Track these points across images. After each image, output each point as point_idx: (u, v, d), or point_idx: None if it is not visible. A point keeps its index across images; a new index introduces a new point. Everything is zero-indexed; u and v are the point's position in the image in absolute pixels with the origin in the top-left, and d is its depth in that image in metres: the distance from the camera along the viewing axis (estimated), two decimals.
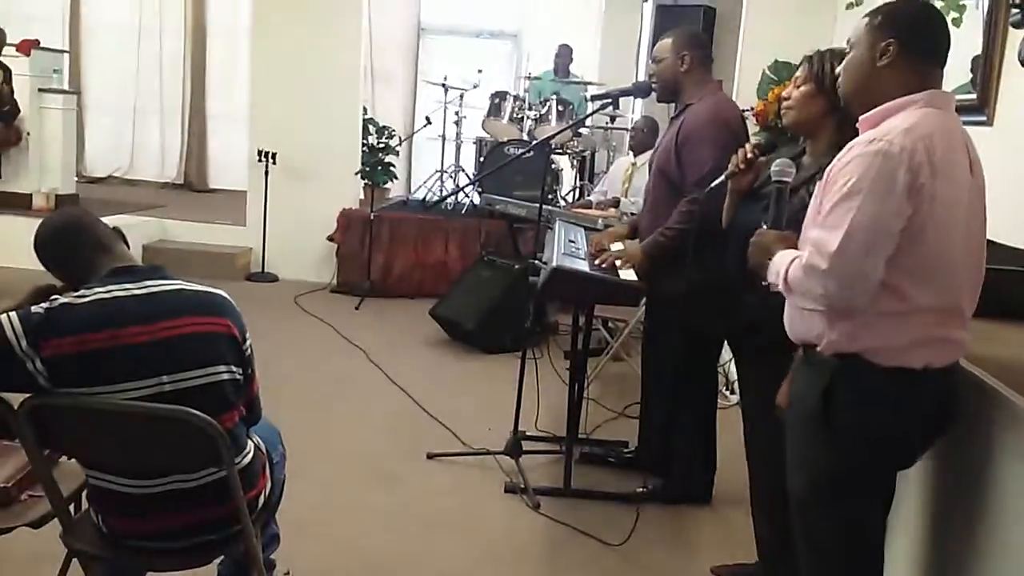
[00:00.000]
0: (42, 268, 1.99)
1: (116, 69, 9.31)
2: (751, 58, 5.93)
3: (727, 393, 4.43)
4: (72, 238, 1.98)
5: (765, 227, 1.98)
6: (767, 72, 5.71)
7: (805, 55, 2.37)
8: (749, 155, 2.43)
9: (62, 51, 7.86)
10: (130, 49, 9.29)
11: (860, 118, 1.82)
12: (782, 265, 1.78)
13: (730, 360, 3.88)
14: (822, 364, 1.80)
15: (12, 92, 5.77)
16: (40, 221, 2.04)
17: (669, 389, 3.29)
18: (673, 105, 3.32)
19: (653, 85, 3.26)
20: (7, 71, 5.77)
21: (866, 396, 1.76)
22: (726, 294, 2.60)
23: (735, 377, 3.51)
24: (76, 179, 7.68)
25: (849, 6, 5.07)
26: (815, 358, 1.83)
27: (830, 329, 1.77)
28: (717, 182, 2.53)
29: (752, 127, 4.78)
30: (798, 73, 2.37)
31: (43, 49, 7.04)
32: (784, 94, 2.38)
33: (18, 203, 6.74)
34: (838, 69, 1.93)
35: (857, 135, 1.94)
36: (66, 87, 7.47)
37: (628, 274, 3.05)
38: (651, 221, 3.18)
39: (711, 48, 3.24)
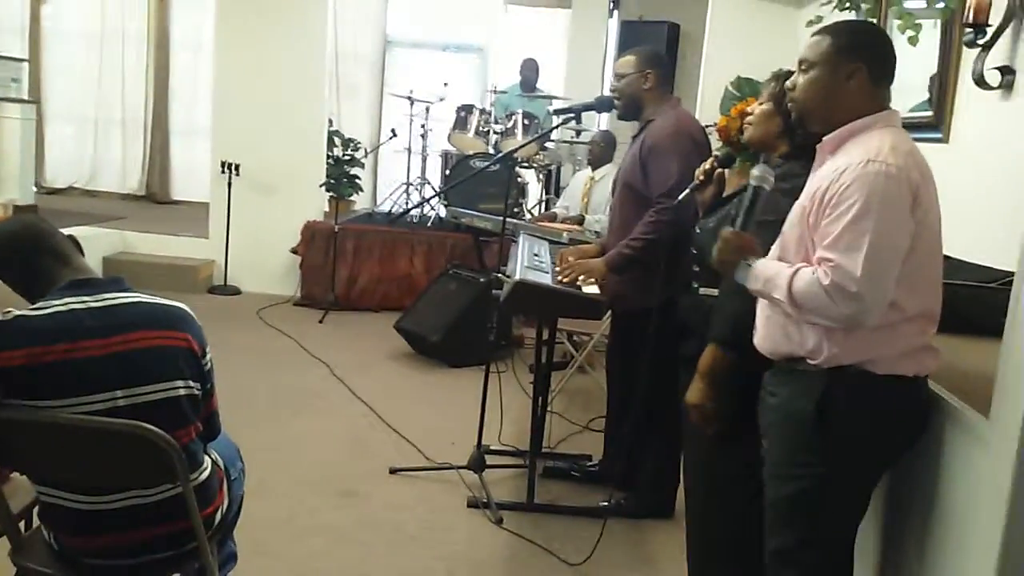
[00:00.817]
0: None
1: (77, 79, 9.18)
2: (714, 74, 6.01)
3: None
4: (29, 245, 1.93)
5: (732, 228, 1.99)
6: (730, 88, 5.79)
7: (772, 73, 2.41)
8: (707, 167, 2.52)
9: (21, 60, 7.75)
10: (92, 59, 9.16)
11: (824, 139, 1.87)
12: (780, 276, 1.79)
13: None
14: (810, 375, 1.83)
15: None
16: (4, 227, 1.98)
17: (635, 403, 3.29)
18: (635, 123, 3.36)
19: (616, 101, 3.29)
20: None
21: (860, 403, 1.80)
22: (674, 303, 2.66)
23: None
24: (35, 190, 7.56)
25: (809, 23, 5.14)
26: (798, 369, 1.85)
27: (829, 343, 1.79)
28: (683, 196, 2.61)
29: (715, 142, 4.84)
30: (764, 90, 2.41)
31: (1, 58, 6.93)
32: (748, 109, 2.42)
33: None
34: (788, 83, 1.97)
35: (807, 155, 2.00)
36: (25, 96, 7.36)
37: (591, 288, 3.06)
38: (620, 237, 3.19)
39: (673, 67, 3.28)
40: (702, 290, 2.31)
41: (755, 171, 1.98)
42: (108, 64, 9.18)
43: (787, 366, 1.89)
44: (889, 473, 2.02)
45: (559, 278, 3.12)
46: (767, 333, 1.93)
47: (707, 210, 2.53)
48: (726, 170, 2.56)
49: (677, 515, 3.33)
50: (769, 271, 1.84)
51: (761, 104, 2.37)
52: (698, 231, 2.50)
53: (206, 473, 2.02)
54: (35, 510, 2.04)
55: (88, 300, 1.85)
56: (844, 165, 1.75)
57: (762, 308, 1.95)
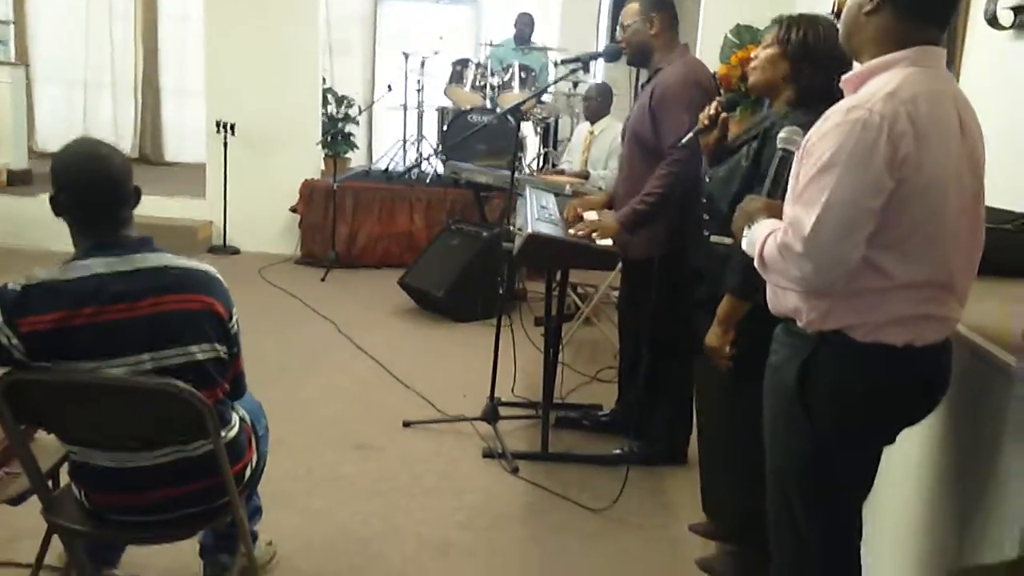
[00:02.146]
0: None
1: (64, 40, 9.03)
2: (713, 22, 5.95)
3: None
4: (111, 194, 1.90)
5: (758, 193, 1.95)
6: (729, 36, 5.72)
7: (774, 18, 2.40)
8: (712, 111, 2.51)
9: (6, 22, 7.61)
10: (78, 19, 9.01)
11: (842, 79, 1.74)
12: (759, 238, 1.69)
13: None
14: (802, 338, 1.74)
15: None
16: (85, 144, 1.95)
17: (647, 351, 3.31)
18: (633, 71, 3.33)
19: (623, 49, 3.26)
20: None
21: (841, 371, 1.70)
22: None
23: None
24: (28, 154, 7.48)
25: None
26: (795, 331, 1.76)
27: (807, 307, 1.70)
28: (686, 139, 2.61)
29: None
30: (767, 35, 2.40)
31: None
32: (752, 55, 2.41)
33: None
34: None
35: (815, 101, 1.97)
36: (12, 59, 7.24)
37: (604, 242, 3.06)
38: (628, 189, 3.18)
39: (675, 9, 3.24)
40: (713, 238, 2.31)
41: (783, 133, 1.92)
42: (95, 25, 9.03)
43: (784, 326, 1.83)
44: (921, 435, 1.98)
45: (572, 233, 3.10)
46: (769, 293, 1.86)
47: (712, 157, 2.52)
48: (730, 115, 2.56)
49: (690, 462, 3.38)
50: (756, 232, 1.72)
51: (766, 48, 2.35)
52: (707, 179, 2.50)
53: (235, 430, 2.04)
54: (64, 468, 2.06)
55: (115, 262, 1.85)
56: (831, 110, 1.62)
57: None
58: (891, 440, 1.82)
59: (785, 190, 1.77)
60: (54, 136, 9.14)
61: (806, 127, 1.96)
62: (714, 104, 2.53)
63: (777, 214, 1.75)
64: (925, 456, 2.09)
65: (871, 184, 1.54)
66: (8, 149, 6.89)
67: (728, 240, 2.20)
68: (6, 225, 5.94)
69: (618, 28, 3.32)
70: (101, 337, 1.79)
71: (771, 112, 2.28)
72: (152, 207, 6.77)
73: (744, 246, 1.79)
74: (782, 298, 1.78)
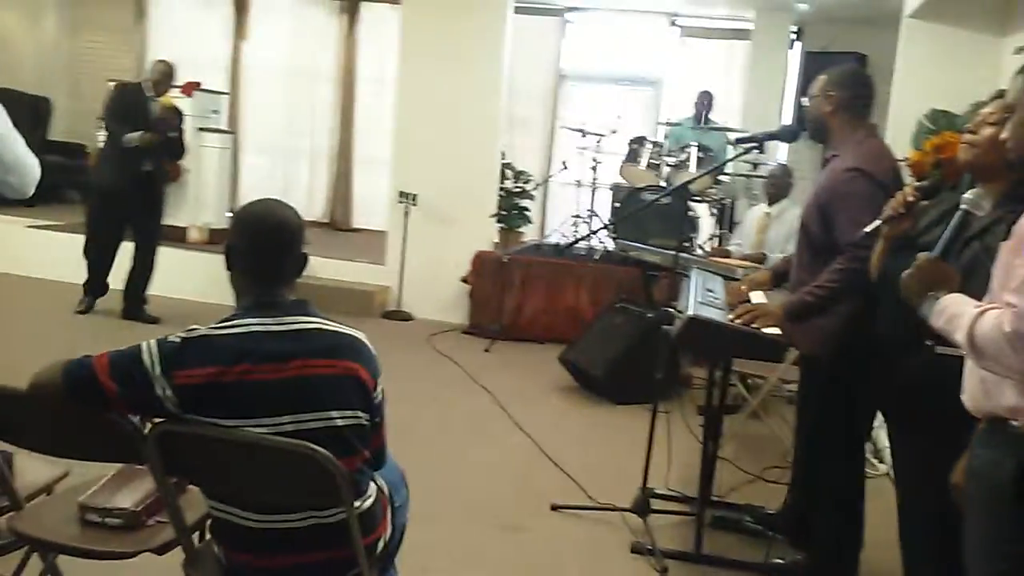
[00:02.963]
0: (196, 299, 2.02)
1: (271, 112, 9.80)
2: (905, 107, 5.62)
3: (875, 462, 4.11)
4: (280, 248, 1.97)
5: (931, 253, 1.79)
6: (924, 121, 5.40)
7: (998, 90, 2.16)
8: (910, 198, 2.26)
9: (222, 93, 8.35)
10: (284, 94, 9.76)
11: None
12: (964, 315, 1.61)
13: (880, 426, 3.59)
14: (1014, 439, 1.59)
15: (182, 132, 6.26)
16: (268, 201, 2.05)
17: (813, 454, 3.05)
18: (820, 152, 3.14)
19: (801, 129, 3.08)
20: (179, 112, 6.24)
21: None
22: (877, 354, 2.41)
23: (884, 444, 3.25)
24: (229, 215, 8.08)
25: (1018, 50, 4.73)
26: (1004, 432, 1.62)
27: (1017, 404, 1.57)
28: (871, 228, 2.38)
29: (907, 179, 4.51)
30: (990, 109, 2.16)
31: (204, 91, 7.49)
32: (970, 126, 2.18)
33: (174, 236, 7.14)
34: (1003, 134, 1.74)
35: None
36: (224, 127, 7.90)
37: (771, 331, 2.86)
38: (796, 274, 2.99)
39: (870, 90, 2.98)
40: (940, 348, 2.05)
41: (968, 194, 1.78)
42: (299, 99, 9.75)
43: (990, 426, 1.67)
44: None
45: (732, 318, 2.92)
46: (968, 387, 1.72)
47: (895, 248, 2.29)
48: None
49: None
50: (955, 308, 1.67)
51: (992, 123, 2.08)
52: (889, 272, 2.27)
53: (370, 500, 2.00)
54: (208, 523, 2.10)
55: (269, 323, 1.88)
56: None
57: (967, 358, 1.73)
58: None
59: (951, 253, 1.71)
60: (253, 199, 9.84)
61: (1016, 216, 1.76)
62: (909, 190, 2.28)
63: (955, 286, 1.71)
64: None
65: None
66: (212, 209, 7.49)
67: (961, 352, 1.96)
68: (203, 281, 6.41)
69: (804, 99, 3.14)
70: (248, 396, 1.82)
71: (968, 199, 1.99)
72: (334, 270, 7.13)
73: (937, 321, 1.70)
74: (995, 394, 1.64)
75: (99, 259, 5.91)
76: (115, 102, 5.88)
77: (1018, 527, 1.59)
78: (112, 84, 6.43)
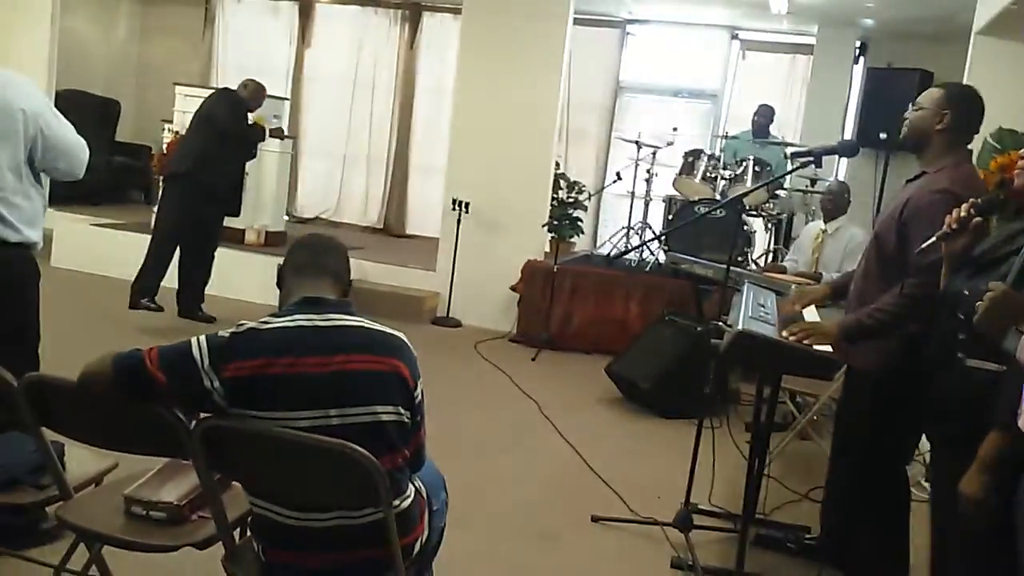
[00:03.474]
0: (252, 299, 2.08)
1: (331, 119, 9.95)
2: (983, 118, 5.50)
3: (925, 484, 4.00)
4: (323, 254, 2.10)
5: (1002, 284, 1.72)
6: (990, 140, 5.25)
7: None
8: (963, 214, 2.22)
9: (283, 99, 8.50)
10: (344, 101, 9.90)
11: None
12: None
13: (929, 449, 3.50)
14: None
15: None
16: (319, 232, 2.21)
17: (855, 475, 2.98)
18: (880, 170, 3.06)
19: (904, 128, 2.96)
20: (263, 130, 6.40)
21: None
22: (922, 372, 2.36)
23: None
24: (286, 218, 8.22)
25: None
26: None
27: None
28: (928, 243, 2.32)
29: None
30: None
31: (267, 96, 7.61)
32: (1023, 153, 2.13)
33: (232, 237, 7.28)
34: None
35: None
36: (285, 132, 8.04)
37: (822, 348, 2.80)
38: (860, 287, 2.92)
39: (981, 116, 2.84)
40: (971, 362, 2.01)
41: None
42: (358, 106, 9.88)
43: None
44: None
45: (786, 335, 2.86)
46: None
47: (956, 265, 2.24)
48: (984, 220, 2.26)
49: None
50: None
51: None
52: (966, 292, 2.21)
53: (408, 501, 2.01)
54: (248, 520, 2.13)
55: (315, 318, 1.93)
56: None
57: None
58: None
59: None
60: (311, 204, 10.02)
61: None
62: (965, 207, 2.23)
63: None
64: None
65: None
66: (269, 212, 7.62)
67: (992, 366, 1.92)
68: (259, 282, 6.52)
69: (910, 104, 3.02)
70: (294, 388, 1.85)
71: None
72: (387, 275, 7.20)
73: (1012, 347, 1.62)
74: None
75: (168, 258, 5.90)
76: (227, 102, 5.99)
77: None
78: (189, 89, 6.66)
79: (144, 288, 5.69)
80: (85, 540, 2.22)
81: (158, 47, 10.49)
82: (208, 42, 10.17)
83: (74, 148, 2.90)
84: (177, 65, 9.95)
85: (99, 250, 7.34)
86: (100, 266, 7.17)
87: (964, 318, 2.11)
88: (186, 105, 7.60)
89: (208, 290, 6.08)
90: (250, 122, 6.09)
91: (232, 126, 5.90)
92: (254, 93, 6.08)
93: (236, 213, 6.85)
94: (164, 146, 7.48)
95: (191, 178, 5.73)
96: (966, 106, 2.82)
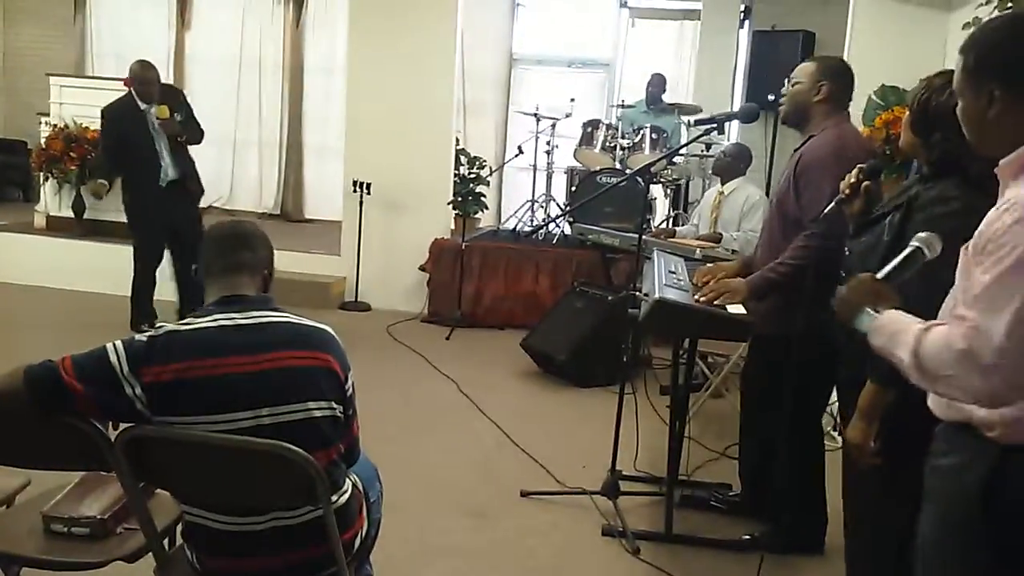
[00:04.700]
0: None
1: (218, 103, 9.59)
2: (857, 82, 5.71)
3: (834, 434, 4.18)
4: (235, 249, 1.97)
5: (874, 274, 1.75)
6: (873, 97, 5.48)
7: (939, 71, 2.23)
8: (853, 179, 2.37)
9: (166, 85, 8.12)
10: (231, 85, 9.56)
11: (1000, 163, 1.54)
12: (907, 333, 1.50)
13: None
14: (983, 441, 1.52)
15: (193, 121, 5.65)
16: (228, 222, 2.13)
17: (771, 428, 3.09)
18: (770, 134, 3.17)
19: (781, 104, 3.10)
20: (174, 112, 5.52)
21: None
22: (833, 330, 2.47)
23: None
24: None
25: (966, 25, 4.81)
26: (973, 435, 1.54)
27: (995, 418, 1.48)
28: (827, 210, 2.45)
29: None
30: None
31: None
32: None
33: (122, 232, 6.95)
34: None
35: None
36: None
37: (736, 308, 2.89)
38: (766, 256, 3.02)
39: (853, 84, 3.02)
40: None
41: (923, 234, 1.76)
42: (246, 89, 9.55)
43: (956, 426, 1.59)
44: None
45: (698, 297, 2.95)
46: (931, 396, 1.64)
47: (856, 228, 2.35)
48: (873, 182, 2.39)
49: (827, 553, 3.11)
50: (897, 324, 1.55)
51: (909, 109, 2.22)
52: (848, 252, 2.33)
53: (347, 496, 1.98)
54: (179, 528, 2.05)
55: (236, 317, 1.86)
56: (1012, 199, 1.44)
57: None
58: None
59: (897, 282, 1.67)
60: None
61: (958, 200, 1.87)
62: (855, 172, 2.38)
63: (891, 304, 1.62)
64: None
65: None
66: None
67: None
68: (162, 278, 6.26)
69: (785, 81, 3.14)
70: (221, 390, 1.79)
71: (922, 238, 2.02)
72: (289, 262, 6.98)
73: (872, 334, 1.61)
74: (960, 405, 1.54)
75: (150, 285, 5.52)
76: (108, 129, 5.45)
77: (975, 537, 1.52)
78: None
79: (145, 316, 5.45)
80: (2, 564, 2.10)
81: (25, 34, 9.87)
82: (80, 28, 9.63)
83: None
84: (48, 54, 9.39)
85: None
86: None
87: (845, 275, 2.23)
88: (63, 97, 7.22)
89: (102, 289, 5.80)
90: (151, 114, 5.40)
91: (109, 159, 5.48)
92: (140, 82, 5.41)
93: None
94: (43, 141, 7.08)
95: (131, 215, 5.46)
96: (841, 76, 3.00)
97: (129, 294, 5.52)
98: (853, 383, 2.15)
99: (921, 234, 1.75)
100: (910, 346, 1.49)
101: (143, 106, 5.38)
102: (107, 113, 5.48)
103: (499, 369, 5.36)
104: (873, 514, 2.28)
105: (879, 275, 1.71)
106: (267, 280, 2.02)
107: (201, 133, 5.73)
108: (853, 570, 2.43)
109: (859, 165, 2.42)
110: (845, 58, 5.83)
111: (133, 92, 5.43)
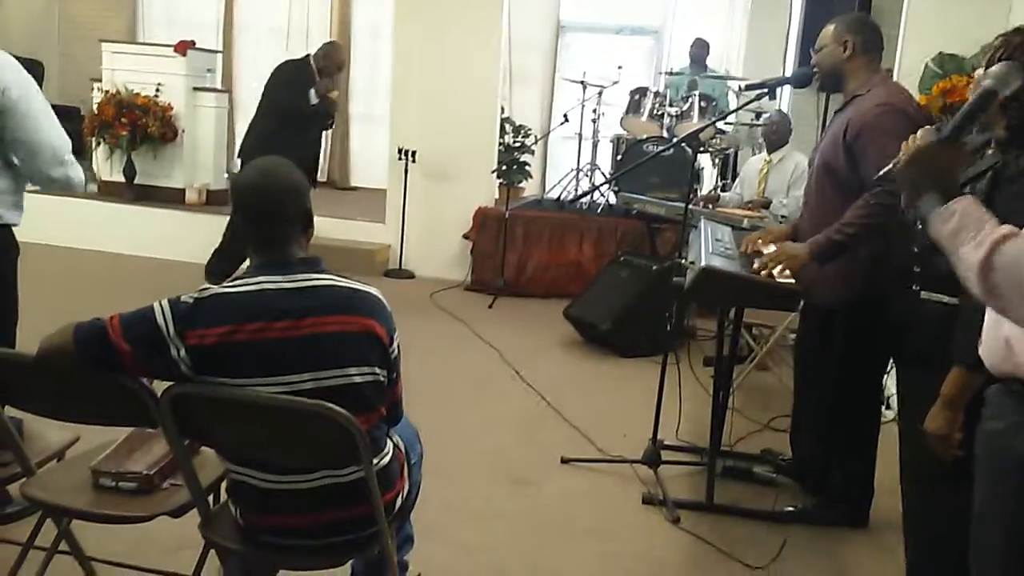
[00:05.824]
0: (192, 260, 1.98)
1: (265, 69, 9.60)
2: (913, 51, 5.53)
3: (884, 410, 4.10)
4: (273, 211, 1.88)
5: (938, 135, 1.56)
6: (931, 65, 5.32)
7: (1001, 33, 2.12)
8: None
9: (215, 51, 8.21)
10: (278, 51, 9.56)
11: None
12: (983, 231, 1.30)
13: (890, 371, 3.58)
14: None
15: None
16: (261, 163, 1.97)
17: (825, 401, 3.04)
18: (823, 99, 3.08)
19: (815, 74, 3.03)
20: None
21: None
22: (887, 301, 2.40)
23: (892, 391, 3.24)
24: (226, 175, 7.99)
25: None
26: (1018, 400, 1.47)
27: None
28: (886, 170, 2.32)
29: None
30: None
31: (198, 50, 7.36)
32: (977, 75, 2.14)
33: (171, 197, 7.07)
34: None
35: None
36: (218, 86, 7.78)
37: (786, 281, 2.82)
38: (815, 224, 2.93)
39: (879, 33, 2.96)
40: (926, 294, 2.03)
41: (996, 67, 1.54)
42: (293, 55, 9.54)
43: (1009, 388, 1.52)
44: None
45: (757, 265, 2.87)
46: (986, 341, 1.55)
47: None
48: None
49: (872, 527, 3.07)
50: (971, 216, 1.34)
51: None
52: (919, 225, 2.23)
53: (388, 457, 1.99)
54: (224, 485, 2.08)
55: (280, 280, 1.84)
56: None
57: (990, 310, 1.52)
58: None
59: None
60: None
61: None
62: (922, 131, 2.26)
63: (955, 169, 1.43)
64: None
65: None
66: (209, 170, 7.41)
67: (946, 298, 1.93)
68: (203, 243, 6.35)
69: (811, 51, 3.09)
70: (262, 355, 1.79)
71: (995, 72, 1.70)
72: (334, 229, 7.06)
73: (935, 220, 1.40)
74: (1020, 352, 1.45)
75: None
76: (285, 76, 5.62)
77: None
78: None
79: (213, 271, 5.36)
80: (53, 516, 2.15)
81: (79, 2, 10.00)
82: None
83: (38, 148, 2.61)
84: (101, 21, 9.50)
85: (33, 218, 7.06)
86: (38, 234, 6.90)
87: (918, 251, 2.15)
88: (115, 63, 7.31)
89: (151, 253, 5.89)
90: (319, 93, 5.57)
91: (287, 104, 5.47)
92: (324, 58, 5.60)
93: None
94: (95, 107, 7.19)
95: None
96: (863, 26, 2.94)
97: (212, 249, 5.35)
98: (921, 363, 2.06)
99: (993, 69, 1.56)
100: (985, 247, 1.29)
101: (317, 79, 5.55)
102: (289, 64, 5.77)
103: (542, 338, 5.35)
104: (935, 498, 2.20)
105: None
106: (308, 227, 1.95)
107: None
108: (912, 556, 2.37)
109: (927, 127, 2.30)
110: (902, 24, 5.68)
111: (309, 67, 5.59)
